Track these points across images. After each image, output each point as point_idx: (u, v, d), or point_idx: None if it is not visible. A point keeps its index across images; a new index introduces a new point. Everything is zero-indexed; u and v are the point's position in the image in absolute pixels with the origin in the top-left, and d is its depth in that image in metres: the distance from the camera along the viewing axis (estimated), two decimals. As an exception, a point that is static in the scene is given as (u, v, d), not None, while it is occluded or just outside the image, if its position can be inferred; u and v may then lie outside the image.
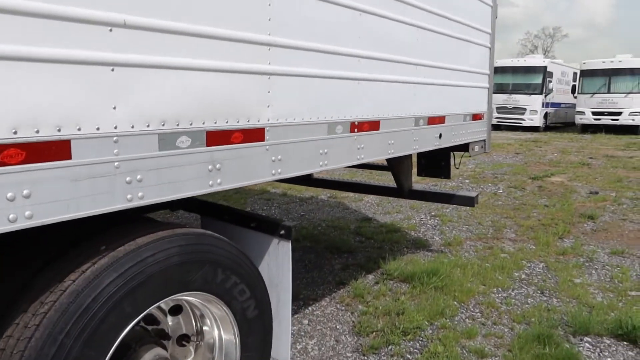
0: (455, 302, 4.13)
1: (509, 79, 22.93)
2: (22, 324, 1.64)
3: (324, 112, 2.58)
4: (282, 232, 2.53)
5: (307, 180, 6.03)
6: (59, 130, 1.47)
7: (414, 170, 5.23)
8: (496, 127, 22.39)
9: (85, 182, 1.55)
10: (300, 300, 4.17)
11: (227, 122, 2.03)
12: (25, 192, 1.41)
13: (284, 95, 2.30)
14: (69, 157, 1.50)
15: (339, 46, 2.60)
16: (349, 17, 2.66)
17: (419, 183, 7.27)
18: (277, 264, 2.60)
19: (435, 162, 5.06)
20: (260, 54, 2.14)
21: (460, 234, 6.12)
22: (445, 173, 5.08)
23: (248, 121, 2.13)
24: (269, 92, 2.21)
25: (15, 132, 1.37)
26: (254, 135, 2.18)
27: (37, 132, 1.42)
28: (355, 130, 2.84)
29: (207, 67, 1.90)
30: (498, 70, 21.38)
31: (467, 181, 9.74)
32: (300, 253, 5.33)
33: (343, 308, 4.05)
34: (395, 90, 3.19)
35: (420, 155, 5.13)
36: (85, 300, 1.67)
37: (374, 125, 3.00)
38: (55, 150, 1.47)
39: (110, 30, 1.55)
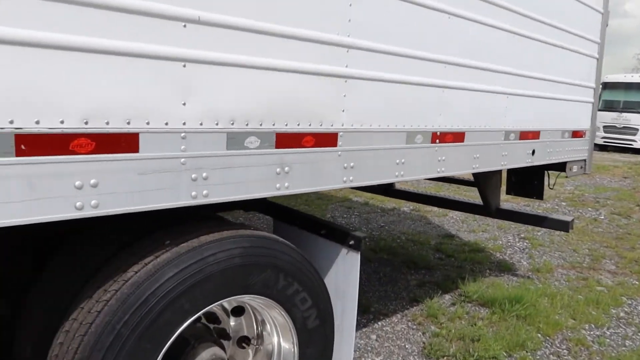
0: (539, 335, 3.77)
1: (620, 96, 21.01)
2: (86, 309, 1.69)
3: (403, 119, 2.45)
4: (352, 242, 2.44)
5: (388, 190, 5.88)
6: (128, 123, 1.49)
7: (503, 187, 4.90)
8: (602, 148, 20.60)
9: (151, 176, 1.57)
10: (371, 313, 4.03)
11: (298, 124, 1.98)
12: (92, 181, 1.44)
13: (361, 100, 2.21)
14: (137, 150, 1.52)
15: (423, 51, 2.46)
16: (437, 20, 2.52)
17: (509, 202, 6.83)
18: (344, 275, 2.51)
19: (527, 180, 4.69)
20: (337, 55, 2.07)
21: (551, 261, 5.64)
22: (537, 193, 4.70)
23: (321, 125, 2.07)
24: (344, 96, 2.13)
25: (86, 123, 1.40)
26: (326, 140, 2.11)
27: (107, 123, 1.45)
28: (437, 141, 2.68)
29: (281, 67, 1.86)
30: (608, 86, 19.69)
31: (563, 204, 9.01)
32: (375, 265, 5.19)
33: (414, 327, 3.86)
34: (485, 100, 2.97)
35: (510, 172, 4.79)
36: (145, 292, 1.68)
37: (458, 136, 2.81)
38: (124, 142, 1.49)
39: (185, 26, 1.56)
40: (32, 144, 1.31)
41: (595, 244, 6.41)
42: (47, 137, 1.34)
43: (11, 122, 1.27)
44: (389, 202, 8.26)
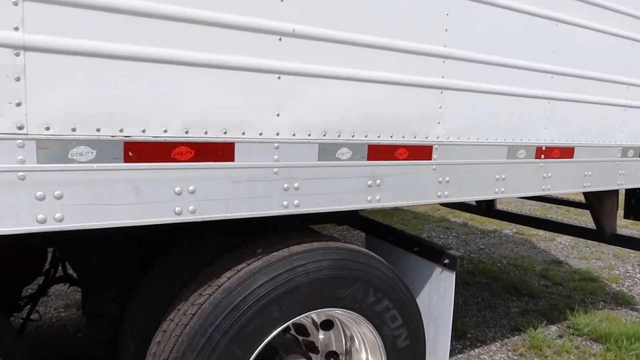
0: (665, 379, 3.32)
1: None
2: (182, 311, 1.77)
3: (504, 133, 2.31)
4: (447, 261, 2.33)
5: (489, 210, 5.58)
6: (225, 133, 1.55)
7: (620, 212, 4.43)
8: None
9: (244, 185, 1.61)
10: (467, 339, 3.82)
11: (391, 136, 1.94)
12: (191, 188, 1.52)
13: (457, 112, 2.12)
14: (232, 159, 1.58)
15: (526, 60, 2.31)
16: (542, 28, 2.36)
17: (627, 228, 6.18)
18: (438, 295, 2.40)
19: (651, 203, 4.21)
20: (433, 66, 2.00)
21: (681, 296, 4.98)
22: (663, 218, 4.19)
23: (415, 137, 2.01)
24: (440, 107, 2.06)
25: (186, 132, 1.48)
26: (421, 152, 2.04)
27: (206, 133, 1.52)
28: (542, 156, 2.49)
29: (374, 79, 1.84)
30: None
31: (697, 233, 7.96)
32: (473, 289, 4.93)
33: (515, 357, 3.58)
34: (598, 113, 2.72)
35: (630, 193, 4.33)
36: (237, 298, 1.72)
37: (566, 152, 2.59)
38: (221, 151, 1.55)
39: (280, 39, 1.60)
40: (138, 151, 1.41)
41: None
42: (151, 145, 1.43)
43: (121, 130, 1.38)
44: (490, 224, 7.84)
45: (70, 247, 2.25)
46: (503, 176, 2.34)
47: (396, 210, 8.45)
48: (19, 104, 1.23)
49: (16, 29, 1.20)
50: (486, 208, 5.59)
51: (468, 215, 7.90)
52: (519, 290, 4.91)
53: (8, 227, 1.27)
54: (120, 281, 2.17)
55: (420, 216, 8.49)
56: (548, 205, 8.92)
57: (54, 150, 1.29)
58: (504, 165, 2.33)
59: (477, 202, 5.49)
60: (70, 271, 2.79)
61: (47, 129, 1.28)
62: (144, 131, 1.42)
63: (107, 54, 1.33)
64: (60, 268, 2.71)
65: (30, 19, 1.21)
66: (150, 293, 2.05)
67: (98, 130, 1.35)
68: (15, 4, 1.19)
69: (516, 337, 3.90)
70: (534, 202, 8.90)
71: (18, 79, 1.22)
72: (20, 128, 1.24)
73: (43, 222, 1.30)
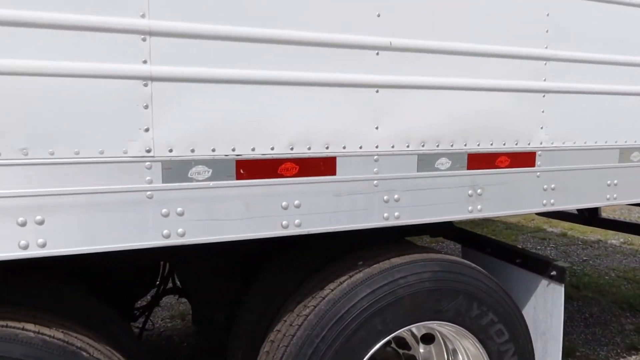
0: None
1: None
2: (288, 322, 1.83)
3: (615, 135, 2.16)
4: (553, 273, 2.21)
5: (592, 219, 5.19)
6: (327, 148, 1.60)
7: None
8: None
9: (345, 198, 1.65)
10: (576, 358, 3.57)
11: (491, 144, 1.89)
12: (296, 202, 1.58)
13: (561, 116, 2.02)
14: (334, 173, 1.62)
15: (635, 56, 2.16)
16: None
17: None
18: (544, 309, 2.28)
19: None
20: (534, 69, 1.94)
21: None
22: None
23: (516, 144, 1.95)
24: (542, 112, 1.98)
25: (291, 148, 1.55)
26: (523, 159, 1.97)
27: (309, 148, 1.58)
28: (660, 158, 2.30)
29: (472, 86, 1.82)
30: None
31: None
32: (579, 304, 4.61)
33: (634, 379, 3.29)
34: None
35: None
36: (341, 310, 1.75)
37: (688, 153, 2.37)
38: (323, 166, 1.60)
39: (377, 53, 1.63)
40: (249, 169, 1.50)
41: None
42: (260, 162, 1.51)
43: (233, 149, 1.47)
44: (592, 234, 7.31)
45: (181, 260, 2.40)
46: (615, 181, 2.19)
47: (486, 220, 8.13)
48: (147, 130, 1.36)
49: (144, 62, 1.33)
50: (589, 216, 5.22)
51: (567, 224, 7.41)
52: (632, 305, 4.52)
53: (138, 242, 1.39)
54: (227, 292, 2.29)
55: (513, 226, 8.10)
56: (661, 212, 8.16)
57: (176, 170, 1.41)
58: (616, 170, 2.18)
59: (578, 210, 5.14)
60: (178, 283, 2.98)
61: (170, 150, 1.39)
62: (253, 149, 1.50)
63: (219, 79, 1.43)
64: (170, 281, 2.91)
65: (155, 52, 1.34)
66: (256, 304, 2.14)
67: (213, 150, 1.45)
68: (144, 39, 1.32)
69: (634, 356, 3.59)
70: (642, 210, 8.18)
71: (146, 107, 1.35)
72: (148, 151, 1.37)
73: (167, 237, 1.42)
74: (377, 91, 1.65)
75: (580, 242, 7.05)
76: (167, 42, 1.35)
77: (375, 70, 1.64)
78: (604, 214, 5.32)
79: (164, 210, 1.40)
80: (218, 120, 1.44)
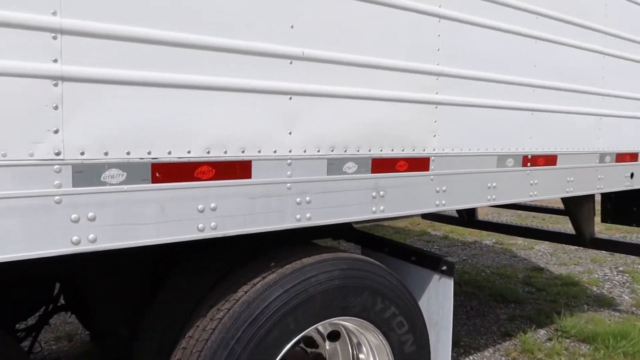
0: (651, 373, 3.48)
1: None
2: (201, 326, 1.82)
3: (493, 143, 2.45)
4: (444, 267, 2.43)
5: (470, 221, 5.74)
6: (243, 152, 1.64)
7: (597, 217, 4.64)
8: None
9: (260, 200, 1.70)
10: (461, 347, 3.92)
11: (392, 150, 2.06)
12: (212, 205, 1.59)
13: (451, 125, 2.25)
14: (249, 176, 1.66)
15: (511, 75, 2.48)
16: (524, 45, 2.54)
17: (602, 233, 6.42)
18: (437, 302, 2.49)
19: (626, 206, 4.42)
20: (428, 83, 2.14)
21: (658, 295, 5.20)
22: (637, 220, 4.40)
23: (413, 150, 2.13)
24: (435, 121, 2.19)
25: (208, 152, 1.56)
26: (419, 164, 2.16)
27: (225, 152, 1.60)
28: (528, 164, 2.65)
29: (377, 97, 1.96)
30: None
31: (666, 234, 8.31)
32: (461, 298, 5.05)
33: (509, 362, 3.69)
34: (576, 122, 2.90)
35: (606, 198, 4.55)
36: (255, 311, 1.79)
37: (550, 159, 2.76)
38: (239, 169, 1.64)
39: (291, 62, 1.71)
40: (165, 172, 1.48)
41: None
42: (176, 165, 1.51)
43: (149, 153, 1.45)
44: (470, 235, 8.03)
45: (79, 272, 2.27)
46: (494, 184, 2.48)
47: (376, 226, 8.57)
48: (56, 132, 1.29)
49: (55, 61, 1.27)
50: (467, 219, 5.76)
51: (448, 228, 8.06)
52: (505, 297, 5.05)
53: (45, 250, 1.31)
54: (132, 302, 2.20)
55: (402, 231, 8.62)
56: (524, 214, 9.20)
57: (88, 173, 1.35)
58: (495, 174, 2.47)
59: (459, 213, 5.65)
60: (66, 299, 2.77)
61: (82, 153, 1.34)
62: (169, 153, 1.49)
63: (134, 82, 1.41)
64: (62, 297, 2.71)
65: (67, 51, 1.28)
66: (164, 312, 2.08)
67: (128, 153, 1.41)
68: (55, 37, 1.26)
69: (507, 342, 4.02)
70: (510, 212, 9.15)
71: (56, 108, 1.28)
72: (58, 154, 1.31)
73: (77, 243, 1.36)
74: (290, 98, 1.73)
75: (459, 243, 7.70)
76: (79, 41, 1.30)
77: (289, 78, 1.71)
78: (479, 217, 5.91)
79: (73, 216, 1.34)
80: (133, 123, 1.41)
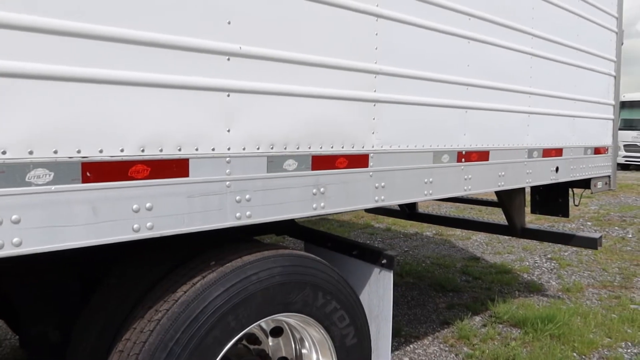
0: (575, 354, 3.72)
1: (639, 114, 20.82)
2: (138, 328, 1.77)
3: (430, 140, 2.53)
4: (384, 261, 2.49)
5: (411, 214, 5.92)
6: (180, 150, 1.60)
7: (528, 208, 4.90)
8: (624, 167, 20.32)
9: (199, 199, 1.67)
10: (402, 336, 4.03)
11: (332, 147, 2.08)
12: (148, 204, 1.55)
13: (389, 123, 2.31)
14: (187, 175, 1.63)
15: (446, 74, 2.57)
16: (458, 45, 2.63)
17: (533, 223, 6.78)
18: (377, 295, 2.56)
19: (552, 198, 4.70)
20: (367, 81, 2.18)
21: (581, 280, 5.57)
22: (563, 211, 4.69)
23: (353, 147, 2.17)
24: (374, 119, 2.23)
25: (142, 150, 1.52)
26: (359, 161, 2.20)
27: (161, 150, 1.56)
28: (463, 160, 2.75)
29: (316, 94, 1.98)
30: (627, 105, 19.48)
31: (589, 223, 8.90)
32: (402, 289, 5.20)
33: (447, 349, 3.84)
34: (506, 119, 3.05)
35: (534, 190, 4.81)
36: (194, 311, 1.76)
37: (482, 155, 2.89)
38: (176, 167, 1.60)
39: (228, 59, 1.68)
40: (96, 171, 1.43)
41: (625, 263, 6.31)
42: (109, 164, 1.45)
43: (78, 151, 1.39)
44: (411, 227, 8.26)
45: (4, 276, 2.14)
46: (431, 179, 2.56)
47: (322, 219, 8.65)
48: (-25, 129, 1.22)
49: (-29, 53, 1.19)
50: (409, 212, 5.93)
51: (391, 220, 8.26)
52: (443, 286, 5.24)
53: (-37, 255, 1.24)
54: (64, 304, 2.11)
55: (346, 224, 8.75)
56: (462, 207, 9.57)
57: (11, 174, 1.28)
58: (431, 170, 2.56)
59: (400, 206, 5.81)
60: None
61: (4, 152, 1.27)
62: (101, 151, 1.43)
63: (59, 77, 1.34)
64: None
65: (-15, 44, 1.21)
66: (99, 314, 2.01)
67: (55, 152, 1.35)
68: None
69: (446, 330, 4.18)
70: (449, 204, 9.51)
71: (-26, 104, 1.21)
72: (-23, 153, 1.23)
73: (1, 247, 1.28)
74: (228, 95, 1.70)
75: (402, 235, 7.91)
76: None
77: (227, 75, 1.69)
78: (420, 210, 6.10)
79: (-4, 218, 1.27)
80: (61, 120, 1.35)
